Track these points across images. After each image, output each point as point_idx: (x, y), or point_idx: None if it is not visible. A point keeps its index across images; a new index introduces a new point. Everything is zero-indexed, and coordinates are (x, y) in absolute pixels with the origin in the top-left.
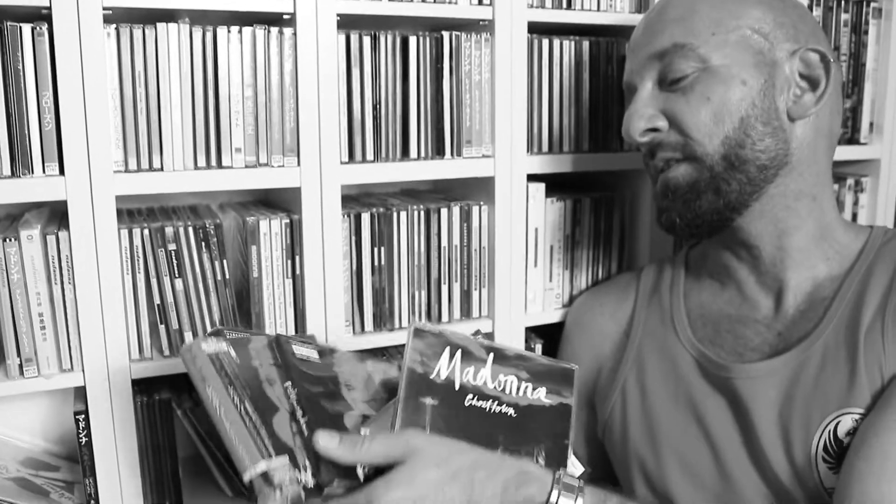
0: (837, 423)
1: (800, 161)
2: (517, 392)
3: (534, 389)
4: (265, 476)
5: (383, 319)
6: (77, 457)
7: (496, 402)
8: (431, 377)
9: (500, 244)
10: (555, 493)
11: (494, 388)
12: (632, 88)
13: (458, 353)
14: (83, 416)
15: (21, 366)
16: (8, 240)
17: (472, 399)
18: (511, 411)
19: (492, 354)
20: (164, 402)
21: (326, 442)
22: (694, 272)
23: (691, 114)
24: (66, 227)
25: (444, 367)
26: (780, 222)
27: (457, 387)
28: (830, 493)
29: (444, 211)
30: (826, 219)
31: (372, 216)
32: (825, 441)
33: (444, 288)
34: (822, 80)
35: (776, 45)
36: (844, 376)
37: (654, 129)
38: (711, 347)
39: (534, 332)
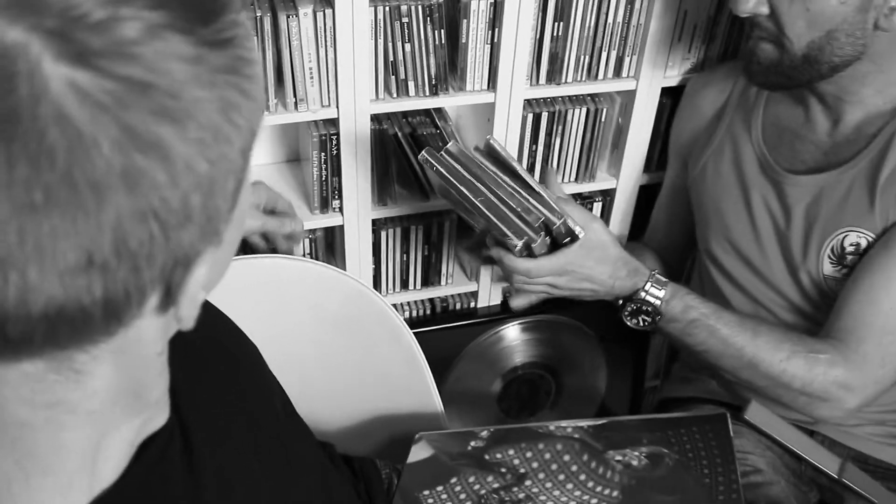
0: (846, 236)
1: (873, 56)
2: None
3: None
4: None
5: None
6: None
7: None
8: None
9: None
10: (649, 283)
11: None
12: None
13: None
14: (336, 136)
15: (296, 103)
16: (290, 16)
17: None
18: None
19: None
20: (385, 131)
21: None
22: None
23: (790, 15)
24: (332, 5)
25: None
26: (846, 89)
27: None
28: (826, 280)
29: None
30: (893, 77)
31: None
32: (833, 245)
33: None
34: None
35: None
36: (864, 204)
37: (756, 13)
38: (772, 152)
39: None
